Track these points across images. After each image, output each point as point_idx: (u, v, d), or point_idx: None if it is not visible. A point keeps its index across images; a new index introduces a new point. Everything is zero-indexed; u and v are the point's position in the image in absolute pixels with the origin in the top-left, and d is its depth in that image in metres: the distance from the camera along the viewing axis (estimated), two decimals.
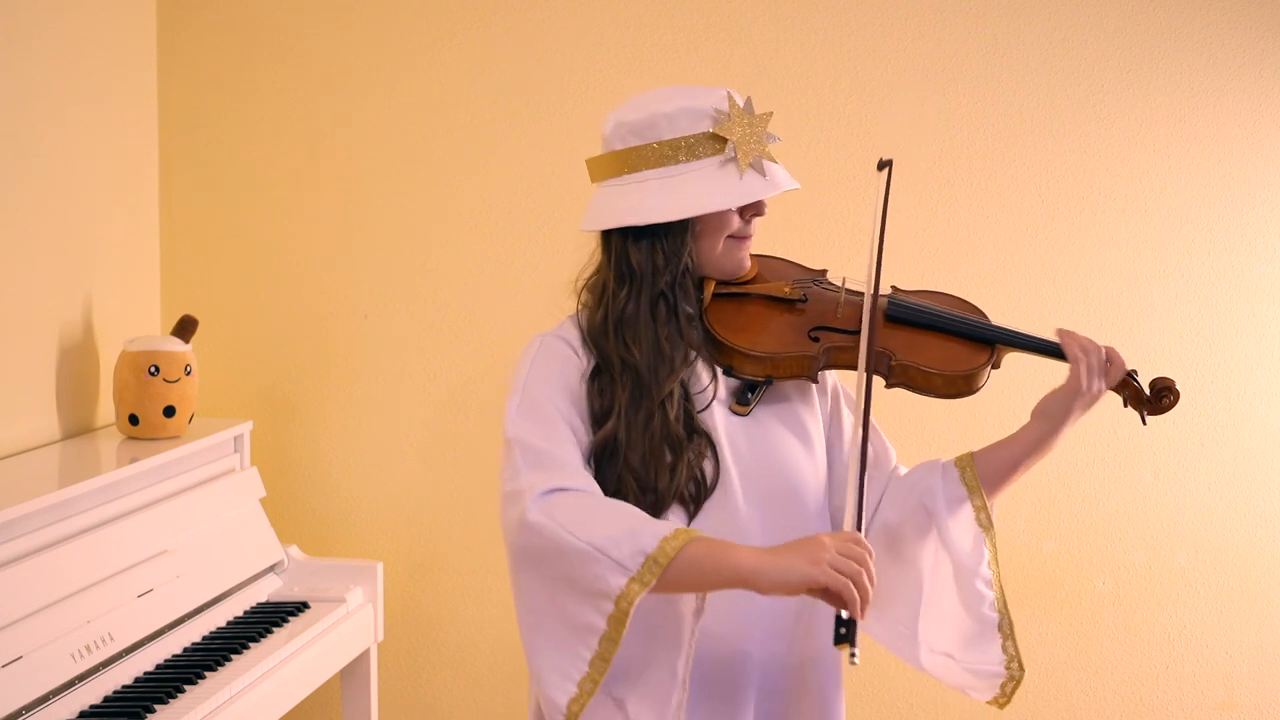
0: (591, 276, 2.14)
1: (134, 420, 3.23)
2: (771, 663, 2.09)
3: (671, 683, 1.95)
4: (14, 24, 3.06)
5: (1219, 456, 3.53)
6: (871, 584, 1.84)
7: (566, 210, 3.56)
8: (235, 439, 3.40)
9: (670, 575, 1.85)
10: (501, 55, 3.59)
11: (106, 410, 3.37)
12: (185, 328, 3.33)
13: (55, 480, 2.89)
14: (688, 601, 1.95)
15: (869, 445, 2.06)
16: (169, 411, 3.23)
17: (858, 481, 1.97)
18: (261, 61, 3.65)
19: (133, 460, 3.04)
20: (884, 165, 2.24)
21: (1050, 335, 2.19)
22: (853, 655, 1.82)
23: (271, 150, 3.66)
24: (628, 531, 1.87)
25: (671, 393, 2.04)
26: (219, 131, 3.67)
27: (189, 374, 3.28)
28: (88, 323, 3.31)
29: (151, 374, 3.22)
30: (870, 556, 1.85)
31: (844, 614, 1.83)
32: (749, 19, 3.53)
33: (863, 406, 2.04)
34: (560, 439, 1.99)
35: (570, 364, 2.07)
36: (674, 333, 2.08)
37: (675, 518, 2.03)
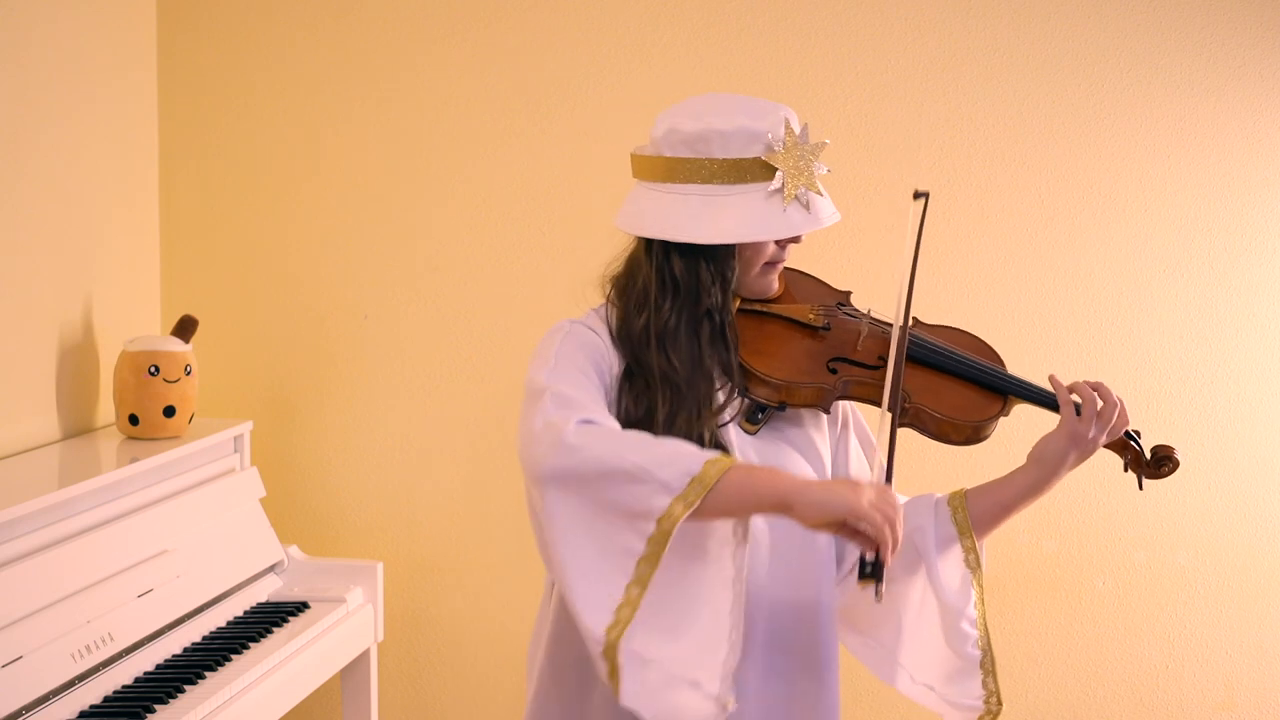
0: (621, 275, 2.11)
1: (134, 420, 3.23)
2: (781, 609, 2.08)
3: (719, 638, 1.91)
4: (14, 24, 3.06)
5: (1219, 456, 3.53)
6: (900, 535, 1.86)
7: (567, 210, 3.56)
8: (235, 439, 3.40)
9: (713, 498, 1.84)
10: (502, 55, 3.59)
11: (106, 410, 3.37)
12: (185, 328, 3.33)
13: (55, 480, 2.89)
14: (724, 539, 1.92)
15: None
16: (169, 411, 3.23)
17: (889, 438, 1.99)
18: (261, 61, 3.65)
19: (133, 460, 3.04)
20: (920, 195, 2.20)
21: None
22: (878, 591, 1.87)
23: (271, 150, 3.66)
24: (672, 454, 1.86)
25: (707, 415, 2.04)
26: (219, 131, 3.67)
27: (189, 374, 3.28)
28: (88, 323, 3.31)
29: (151, 374, 3.22)
30: (901, 513, 1.87)
31: (870, 556, 1.87)
32: (749, 19, 3.53)
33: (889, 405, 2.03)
34: (593, 395, 1.98)
35: (601, 354, 2.05)
36: (721, 352, 2.07)
37: None
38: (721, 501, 1.86)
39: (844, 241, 3.52)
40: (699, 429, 2.02)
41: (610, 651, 1.86)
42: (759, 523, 2.05)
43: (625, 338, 2.07)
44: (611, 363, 2.06)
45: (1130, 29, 3.48)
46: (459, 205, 3.63)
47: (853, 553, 2.19)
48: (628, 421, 2.02)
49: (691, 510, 1.84)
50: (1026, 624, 3.56)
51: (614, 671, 1.87)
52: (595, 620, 1.86)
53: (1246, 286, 3.51)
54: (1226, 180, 3.49)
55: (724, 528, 1.92)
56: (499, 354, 3.61)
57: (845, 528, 1.86)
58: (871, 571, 1.86)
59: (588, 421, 1.90)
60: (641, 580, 1.86)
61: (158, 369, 3.22)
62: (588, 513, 1.88)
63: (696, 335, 2.06)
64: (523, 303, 3.59)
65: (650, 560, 1.85)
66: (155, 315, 3.66)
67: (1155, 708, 3.57)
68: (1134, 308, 3.52)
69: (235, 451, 3.40)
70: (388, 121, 3.63)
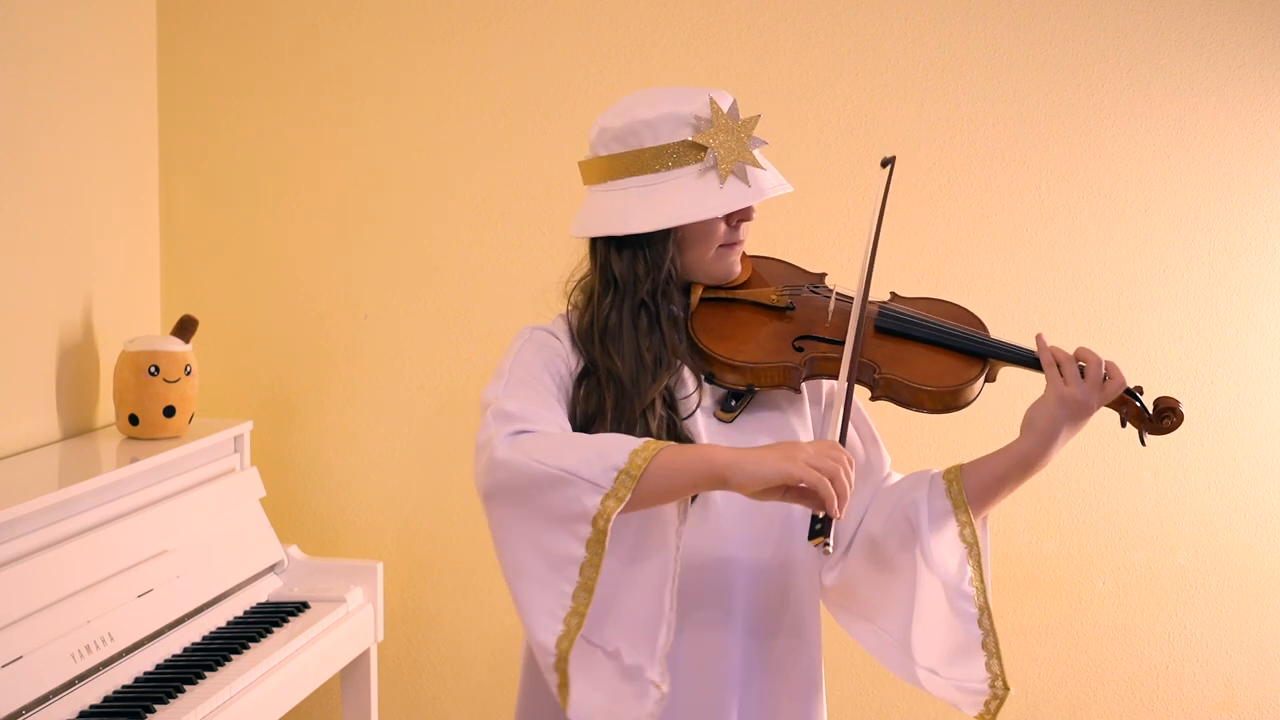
0: (583, 278, 2.14)
1: (134, 420, 3.23)
2: (757, 568, 2.09)
3: (659, 617, 1.92)
4: (14, 24, 3.06)
5: (1219, 456, 3.53)
6: (849, 484, 1.82)
7: (567, 210, 3.55)
8: (235, 439, 3.40)
9: (645, 486, 1.83)
10: (501, 55, 3.59)
11: (106, 410, 3.37)
12: (185, 328, 3.33)
13: (55, 480, 2.89)
14: (667, 521, 1.92)
15: (847, 429, 2.04)
16: (169, 411, 3.23)
17: (844, 397, 1.96)
18: (261, 61, 3.65)
19: (133, 460, 3.04)
20: (887, 162, 2.20)
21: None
22: (826, 545, 1.81)
23: (271, 150, 3.66)
24: (597, 452, 1.85)
25: (653, 402, 2.03)
26: (219, 131, 3.67)
27: (189, 374, 3.28)
28: (88, 323, 3.31)
29: (151, 374, 3.22)
30: (849, 462, 1.83)
31: (820, 514, 1.82)
32: (749, 19, 3.53)
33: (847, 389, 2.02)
34: (540, 402, 1.99)
35: (559, 357, 2.07)
36: (657, 342, 2.07)
37: None
38: (654, 488, 1.84)
39: (843, 241, 3.52)
40: (645, 421, 2.02)
41: (562, 663, 1.86)
42: (716, 493, 2.04)
43: (581, 339, 2.09)
44: (570, 363, 2.07)
45: (1130, 29, 3.48)
46: (459, 205, 3.63)
47: (868, 522, 2.19)
48: (583, 418, 2.04)
49: (624, 504, 1.83)
50: (1026, 624, 3.56)
51: (564, 683, 1.87)
52: (545, 632, 1.86)
53: (1246, 286, 3.51)
54: (1226, 180, 3.49)
55: (668, 511, 1.91)
56: (498, 354, 3.60)
57: (789, 491, 1.83)
58: (821, 529, 1.81)
59: (520, 432, 1.91)
60: (588, 586, 1.85)
61: (158, 369, 3.22)
62: (526, 524, 1.88)
63: (635, 328, 2.06)
64: (523, 303, 3.58)
65: (593, 564, 1.85)
66: (155, 315, 3.66)
67: (1155, 708, 3.57)
68: (1134, 308, 3.52)
69: (235, 451, 3.40)
70: (388, 122, 3.63)
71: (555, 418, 1.98)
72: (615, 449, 1.85)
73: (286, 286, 3.68)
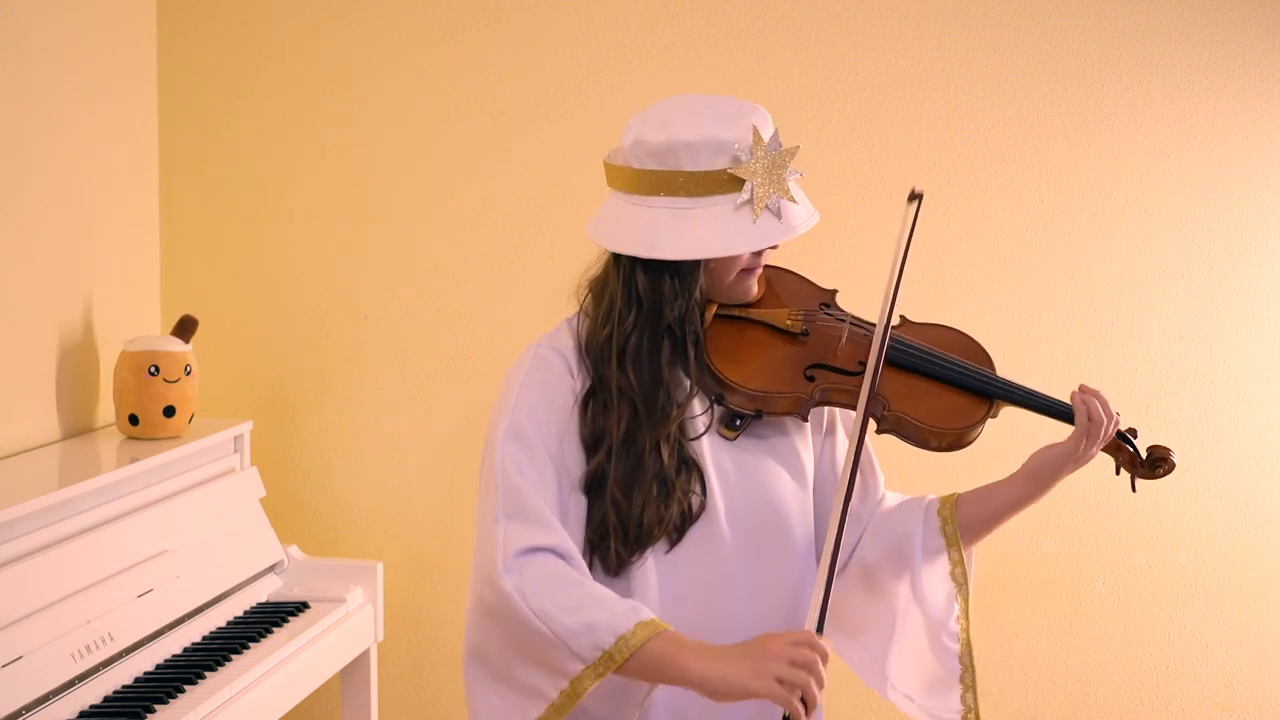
0: (596, 280, 2.09)
1: (134, 420, 3.23)
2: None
3: None
4: (14, 24, 3.06)
5: (1219, 456, 3.53)
6: (820, 688, 1.84)
7: (568, 211, 3.56)
8: (235, 439, 3.40)
9: (624, 669, 1.89)
10: (502, 55, 3.59)
11: (106, 410, 3.37)
12: (185, 328, 3.33)
13: (55, 480, 2.90)
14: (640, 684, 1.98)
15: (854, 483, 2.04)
16: (169, 411, 3.23)
17: (826, 578, 1.93)
18: (262, 61, 3.65)
19: (133, 460, 3.04)
20: (914, 197, 2.16)
21: (1056, 391, 2.14)
22: None
23: (271, 150, 3.66)
24: (587, 625, 1.88)
25: (669, 431, 2.01)
26: (219, 131, 3.67)
27: (189, 374, 3.28)
28: (88, 323, 3.31)
29: (151, 374, 3.22)
30: (823, 660, 1.86)
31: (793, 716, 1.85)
32: (749, 19, 3.53)
33: (844, 496, 1.99)
34: (543, 479, 1.99)
35: (563, 383, 2.03)
36: (680, 371, 2.04)
37: (659, 545, 2.02)
38: (633, 672, 1.90)
39: (842, 242, 3.52)
40: (656, 446, 2.00)
41: None
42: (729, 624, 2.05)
43: (590, 353, 2.05)
44: (576, 387, 2.04)
45: (1130, 29, 3.48)
46: (459, 205, 3.63)
47: (862, 549, 2.19)
48: (590, 439, 2.01)
49: (602, 679, 1.89)
50: (1027, 624, 3.56)
51: None
52: None
53: (1246, 286, 3.51)
54: (1226, 180, 3.49)
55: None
56: (499, 354, 3.61)
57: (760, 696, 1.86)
58: None
59: (528, 551, 1.93)
60: None
61: (158, 369, 3.22)
62: (511, 649, 1.94)
63: (658, 351, 2.03)
64: (523, 303, 3.59)
65: (559, 709, 1.91)
66: (155, 315, 3.66)
67: (1155, 708, 3.57)
68: (1134, 308, 3.52)
69: (235, 451, 3.40)
70: (388, 121, 3.63)
71: (555, 497, 1.99)
72: (604, 629, 1.88)
73: (286, 286, 3.68)
